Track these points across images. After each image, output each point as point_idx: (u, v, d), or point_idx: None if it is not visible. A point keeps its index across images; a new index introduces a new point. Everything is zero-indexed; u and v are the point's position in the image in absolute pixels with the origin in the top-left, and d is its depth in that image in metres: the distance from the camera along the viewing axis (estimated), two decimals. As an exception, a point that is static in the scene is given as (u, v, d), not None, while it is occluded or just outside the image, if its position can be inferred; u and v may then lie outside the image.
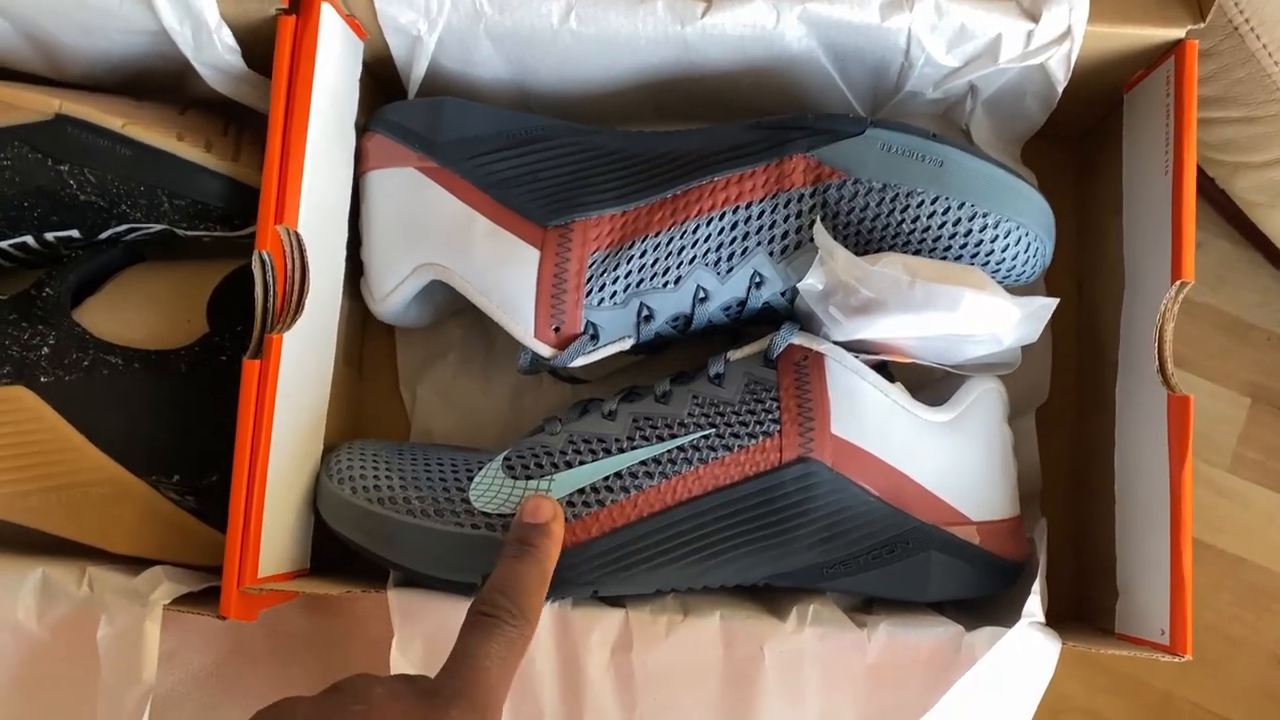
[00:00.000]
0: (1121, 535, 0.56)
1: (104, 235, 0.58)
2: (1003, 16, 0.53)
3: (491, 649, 0.42)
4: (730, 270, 0.54)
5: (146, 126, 0.56)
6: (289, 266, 0.52)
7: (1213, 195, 0.66)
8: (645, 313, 0.55)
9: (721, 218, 0.54)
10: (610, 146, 0.56)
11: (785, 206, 0.53)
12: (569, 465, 0.53)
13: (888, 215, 0.53)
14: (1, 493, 0.56)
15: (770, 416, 0.52)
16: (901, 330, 0.51)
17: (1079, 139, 0.66)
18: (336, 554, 0.57)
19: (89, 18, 0.54)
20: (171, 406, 0.56)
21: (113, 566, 0.54)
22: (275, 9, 0.53)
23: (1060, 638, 0.51)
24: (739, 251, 0.54)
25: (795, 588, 0.55)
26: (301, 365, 0.53)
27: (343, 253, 0.58)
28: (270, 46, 0.52)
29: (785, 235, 0.54)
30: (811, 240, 0.53)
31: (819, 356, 0.53)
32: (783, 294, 0.55)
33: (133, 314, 0.58)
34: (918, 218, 0.52)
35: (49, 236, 0.58)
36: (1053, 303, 0.52)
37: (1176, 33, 0.53)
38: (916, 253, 0.53)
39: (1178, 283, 0.51)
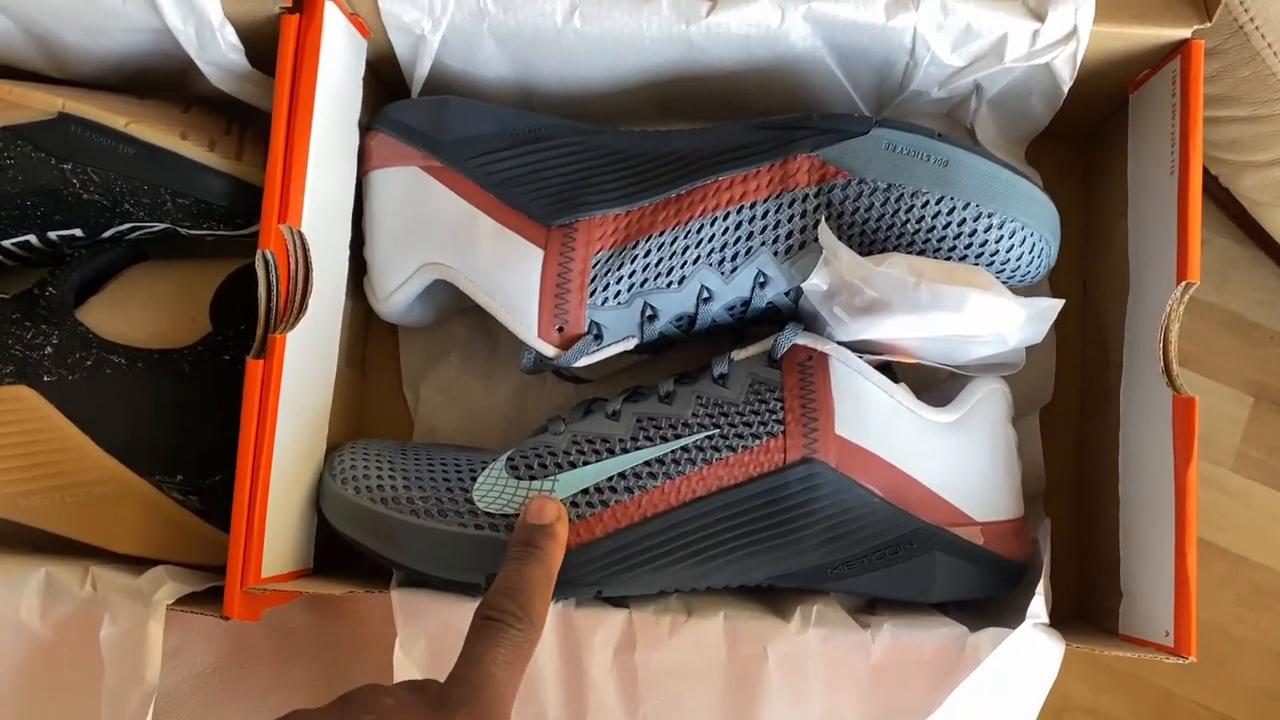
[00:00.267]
0: (1125, 536, 0.56)
1: (107, 234, 0.58)
2: (1008, 16, 0.53)
3: (498, 654, 0.42)
4: (734, 270, 0.54)
5: (150, 125, 0.56)
6: (292, 266, 0.52)
7: (1216, 193, 0.66)
8: (649, 312, 0.55)
9: (726, 217, 0.54)
10: (614, 146, 0.56)
11: (789, 206, 0.53)
12: (573, 465, 0.53)
13: (892, 215, 0.53)
14: (5, 492, 0.56)
15: (774, 417, 0.52)
16: (906, 331, 0.51)
17: (1084, 139, 0.65)
18: (340, 554, 0.57)
19: (92, 16, 0.54)
20: (175, 406, 0.56)
21: (116, 566, 0.54)
22: (279, 7, 0.53)
23: (1064, 639, 0.51)
24: (743, 251, 0.54)
25: (799, 588, 0.55)
26: (305, 365, 0.53)
27: (346, 252, 0.58)
28: (274, 45, 0.52)
29: (790, 235, 0.54)
30: (816, 240, 0.53)
31: (823, 357, 0.53)
32: (787, 294, 0.55)
33: (136, 313, 0.58)
34: (922, 218, 0.52)
35: (52, 235, 0.58)
36: (1058, 304, 0.52)
37: (1182, 32, 0.53)
38: (921, 253, 0.53)
39: (1183, 284, 0.51)
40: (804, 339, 0.54)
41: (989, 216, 0.52)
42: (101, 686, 0.51)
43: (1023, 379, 0.58)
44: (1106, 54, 0.55)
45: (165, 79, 0.59)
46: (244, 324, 0.57)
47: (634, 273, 0.54)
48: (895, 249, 0.53)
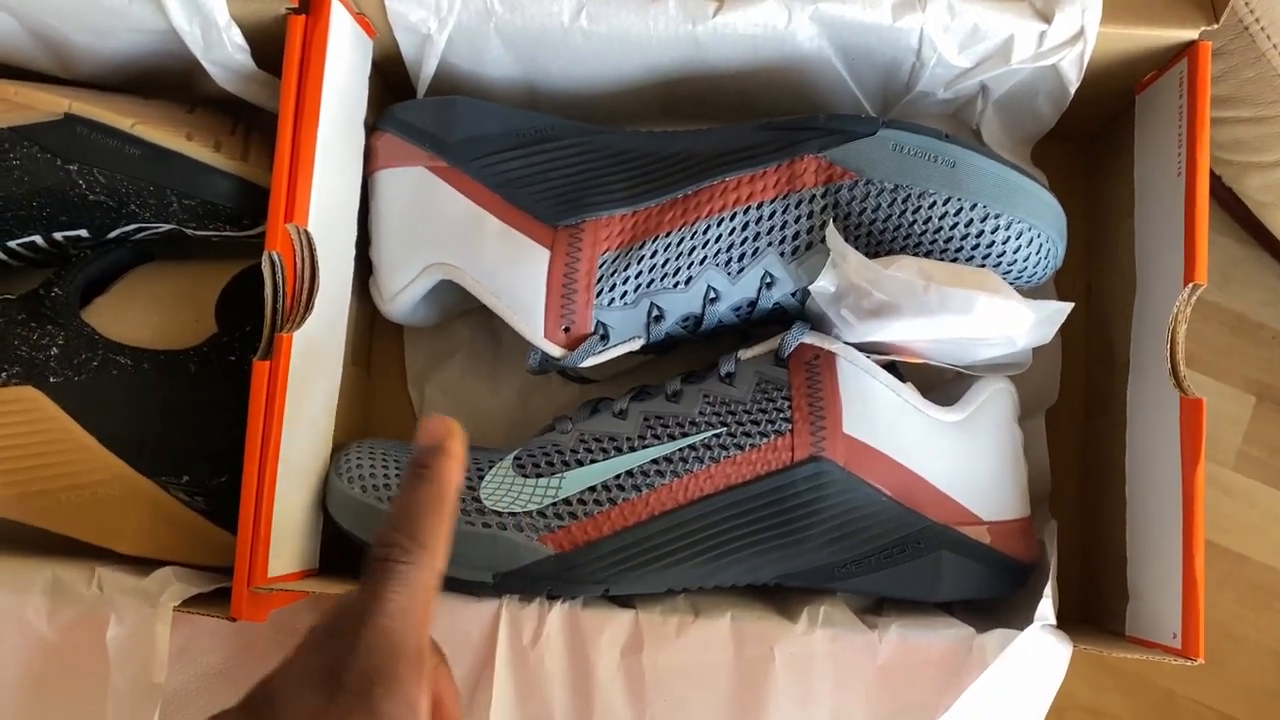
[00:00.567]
0: (1132, 537, 0.56)
1: (112, 235, 0.58)
2: (1015, 17, 0.53)
3: (387, 600, 0.38)
4: (741, 271, 0.54)
5: (155, 126, 0.56)
6: (299, 266, 0.52)
7: (1219, 193, 0.66)
8: (655, 313, 0.55)
9: (732, 218, 0.54)
10: (621, 146, 0.56)
11: (796, 207, 0.53)
12: (580, 464, 0.53)
13: (899, 216, 0.53)
14: (11, 493, 0.56)
15: (782, 416, 0.52)
16: (915, 334, 0.51)
17: (1090, 140, 0.65)
18: (346, 553, 0.56)
19: (98, 17, 0.54)
20: (180, 407, 0.56)
21: (122, 567, 0.54)
22: (285, 8, 0.52)
23: (1071, 641, 0.51)
24: (750, 252, 0.54)
25: (806, 588, 0.55)
26: (311, 365, 0.53)
27: (352, 252, 0.58)
28: (279, 45, 0.52)
29: (796, 236, 0.53)
30: (823, 241, 0.53)
31: (830, 356, 0.53)
32: (793, 295, 0.55)
33: (141, 314, 0.58)
34: (929, 219, 0.52)
35: (58, 236, 0.58)
36: (1067, 307, 0.52)
37: (1189, 34, 0.53)
38: (928, 254, 0.53)
39: (1190, 285, 0.51)
40: (811, 338, 0.54)
41: (996, 217, 0.52)
42: (108, 687, 0.51)
43: (1029, 379, 0.59)
44: (1113, 55, 0.55)
45: (171, 79, 0.59)
46: (250, 325, 0.57)
47: (640, 273, 0.54)
48: (902, 250, 0.53)
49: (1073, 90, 0.57)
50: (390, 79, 0.60)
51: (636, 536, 0.52)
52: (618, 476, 0.52)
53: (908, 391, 0.53)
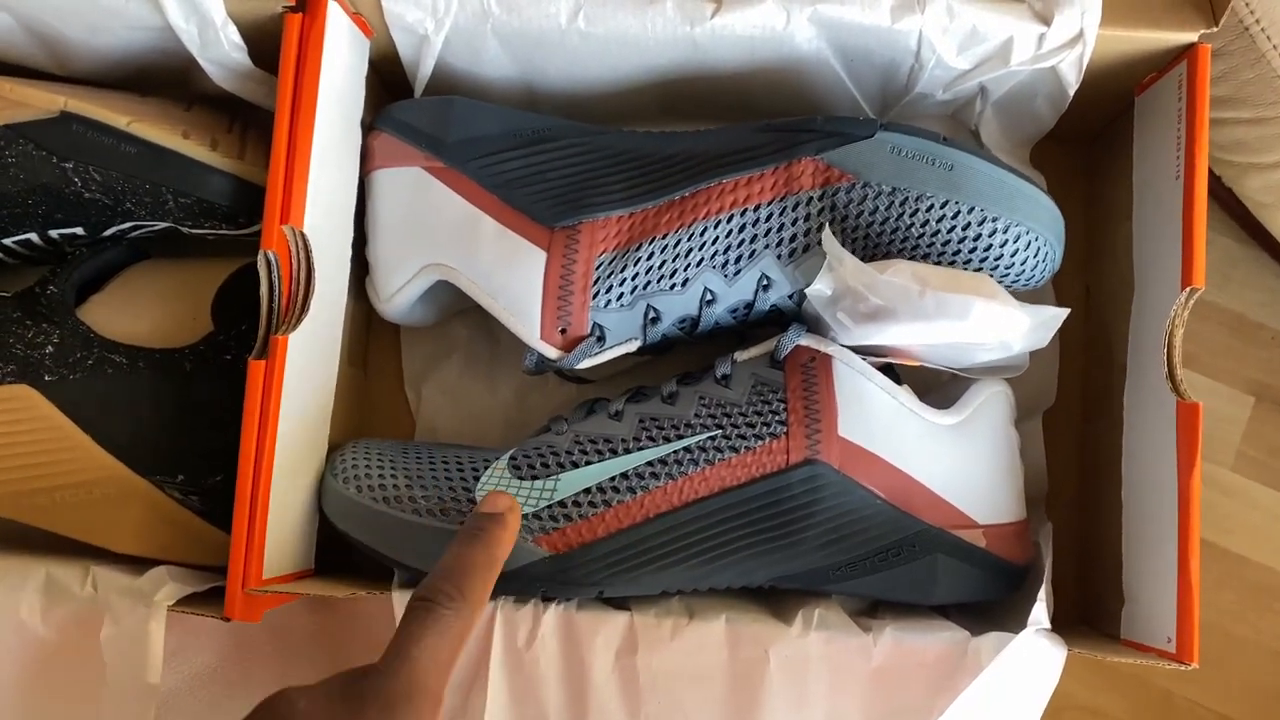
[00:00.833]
0: (1128, 541, 0.56)
1: (108, 233, 0.58)
2: (1014, 19, 0.53)
3: (423, 638, 0.41)
4: (738, 273, 0.54)
5: (152, 124, 0.56)
6: (295, 267, 0.52)
7: (1219, 193, 0.66)
8: (652, 315, 0.55)
9: (729, 220, 0.54)
10: (618, 147, 0.56)
11: (794, 209, 0.53)
12: (575, 465, 0.53)
13: (897, 219, 0.52)
14: (5, 491, 0.55)
15: (777, 418, 0.52)
16: (911, 338, 0.51)
17: (1089, 142, 0.65)
18: (341, 554, 0.56)
19: (95, 14, 0.54)
20: (176, 406, 0.56)
21: (117, 566, 0.54)
22: (282, 6, 0.52)
23: (1066, 644, 0.51)
24: (747, 254, 0.54)
25: (801, 590, 0.55)
26: (306, 365, 0.53)
27: (348, 252, 0.57)
28: (276, 44, 0.52)
29: (794, 238, 0.53)
30: (820, 244, 0.53)
31: (826, 358, 0.53)
32: (790, 297, 0.54)
33: (137, 312, 0.57)
34: (927, 221, 0.52)
35: (53, 234, 0.58)
36: (1063, 312, 0.52)
37: (1189, 36, 0.53)
38: (925, 257, 0.53)
39: (1188, 289, 0.51)
40: (807, 340, 0.54)
41: (994, 221, 0.52)
42: (102, 687, 0.51)
43: (1026, 382, 0.59)
44: (1112, 57, 0.55)
45: (167, 77, 0.59)
46: (245, 323, 0.57)
47: (637, 275, 0.54)
48: (899, 252, 0.53)
49: (1072, 92, 0.56)
50: (387, 79, 0.60)
51: (631, 538, 0.52)
52: (613, 478, 0.52)
53: (904, 394, 0.53)
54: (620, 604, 0.54)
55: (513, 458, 0.54)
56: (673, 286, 0.54)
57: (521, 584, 0.52)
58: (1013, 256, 0.53)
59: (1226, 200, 0.66)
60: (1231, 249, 0.68)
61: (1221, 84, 0.59)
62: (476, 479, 0.53)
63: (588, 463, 0.53)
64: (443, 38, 0.56)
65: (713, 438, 0.52)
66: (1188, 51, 0.53)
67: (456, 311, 0.64)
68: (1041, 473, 0.63)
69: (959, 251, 0.53)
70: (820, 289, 0.52)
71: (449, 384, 0.65)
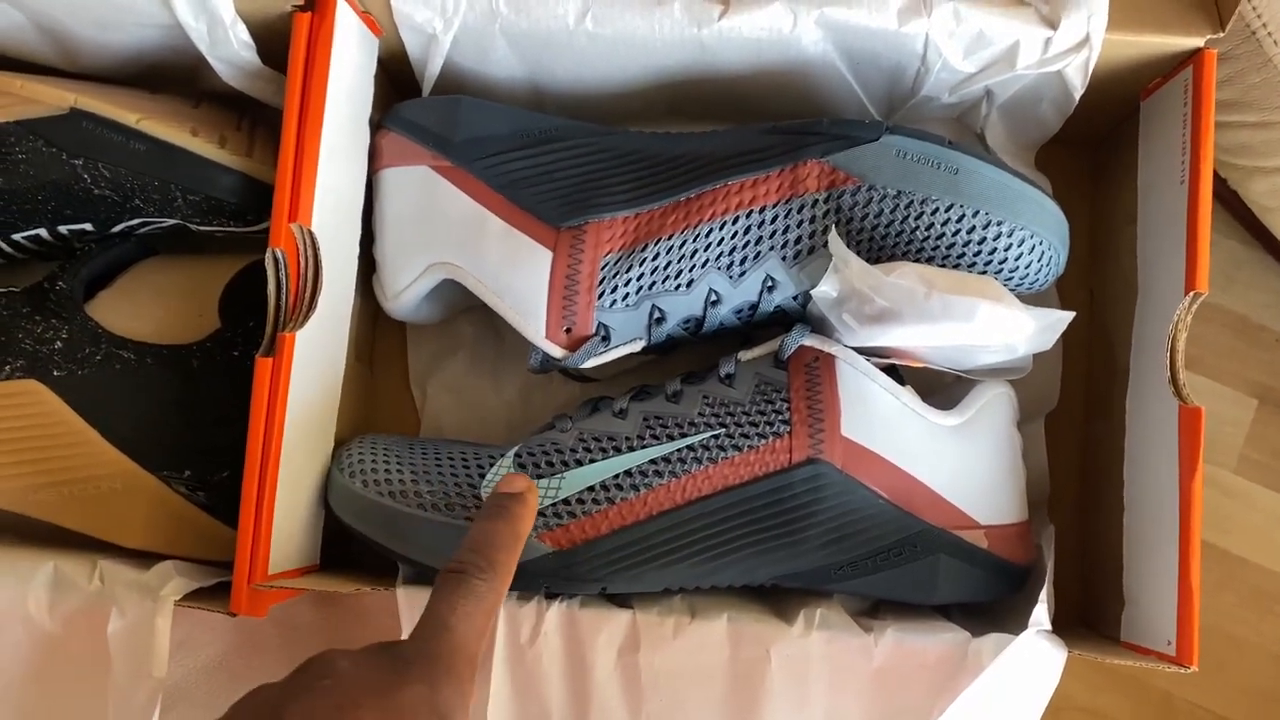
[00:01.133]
0: (1129, 543, 0.56)
1: (117, 229, 0.58)
2: (1021, 23, 0.53)
3: (457, 605, 0.42)
4: (743, 274, 0.54)
5: (161, 121, 0.56)
6: (302, 264, 0.52)
7: (1223, 194, 0.66)
8: (657, 315, 0.55)
9: (735, 221, 0.54)
10: (625, 148, 0.56)
11: (799, 211, 0.53)
12: (579, 463, 0.53)
13: (901, 222, 0.53)
14: (13, 486, 0.56)
15: (780, 417, 0.52)
16: (916, 340, 0.51)
17: (1094, 145, 0.65)
18: (347, 550, 0.57)
19: (104, 11, 0.54)
20: (183, 402, 0.56)
21: (124, 561, 0.54)
22: (291, 5, 0.53)
23: (1067, 646, 0.51)
24: (752, 255, 0.54)
25: (803, 589, 0.55)
26: (313, 362, 0.53)
27: (355, 250, 0.58)
28: (285, 42, 0.52)
29: (799, 240, 0.54)
30: (825, 246, 0.53)
31: (830, 358, 0.53)
32: (795, 298, 0.55)
33: (145, 308, 0.58)
34: (931, 225, 0.52)
35: (62, 230, 0.58)
36: (1069, 316, 0.52)
37: (1195, 41, 0.53)
38: (930, 259, 0.53)
39: (1191, 293, 0.51)
40: (811, 340, 0.54)
41: (998, 224, 0.52)
42: (109, 680, 0.51)
43: (1029, 384, 0.59)
44: (1118, 62, 0.55)
45: (176, 74, 0.59)
46: (253, 320, 0.57)
47: (642, 275, 0.54)
48: (904, 255, 0.53)
49: (1077, 96, 0.57)
50: (396, 77, 0.60)
51: (634, 536, 0.52)
52: (616, 476, 0.53)
53: (907, 395, 0.53)
54: (623, 602, 0.54)
55: (518, 455, 0.54)
56: (678, 287, 0.54)
57: (525, 579, 0.52)
58: (1017, 260, 0.53)
59: (1231, 202, 0.66)
60: (1236, 251, 0.68)
61: (1227, 88, 0.59)
62: (482, 475, 0.54)
63: (592, 460, 0.53)
64: (451, 37, 0.56)
65: (716, 436, 0.53)
66: (1194, 56, 0.53)
67: (462, 309, 0.64)
68: (1043, 475, 0.63)
69: (963, 255, 0.53)
70: (826, 291, 0.52)
71: (454, 381, 0.65)
